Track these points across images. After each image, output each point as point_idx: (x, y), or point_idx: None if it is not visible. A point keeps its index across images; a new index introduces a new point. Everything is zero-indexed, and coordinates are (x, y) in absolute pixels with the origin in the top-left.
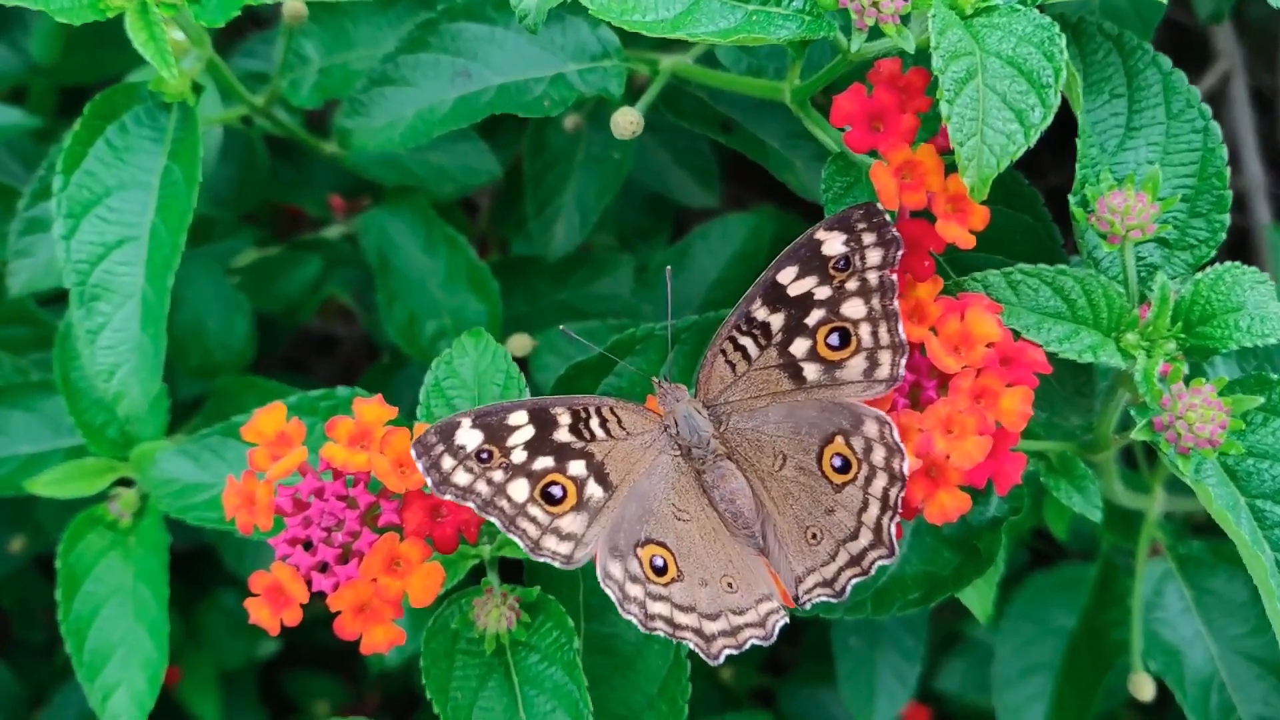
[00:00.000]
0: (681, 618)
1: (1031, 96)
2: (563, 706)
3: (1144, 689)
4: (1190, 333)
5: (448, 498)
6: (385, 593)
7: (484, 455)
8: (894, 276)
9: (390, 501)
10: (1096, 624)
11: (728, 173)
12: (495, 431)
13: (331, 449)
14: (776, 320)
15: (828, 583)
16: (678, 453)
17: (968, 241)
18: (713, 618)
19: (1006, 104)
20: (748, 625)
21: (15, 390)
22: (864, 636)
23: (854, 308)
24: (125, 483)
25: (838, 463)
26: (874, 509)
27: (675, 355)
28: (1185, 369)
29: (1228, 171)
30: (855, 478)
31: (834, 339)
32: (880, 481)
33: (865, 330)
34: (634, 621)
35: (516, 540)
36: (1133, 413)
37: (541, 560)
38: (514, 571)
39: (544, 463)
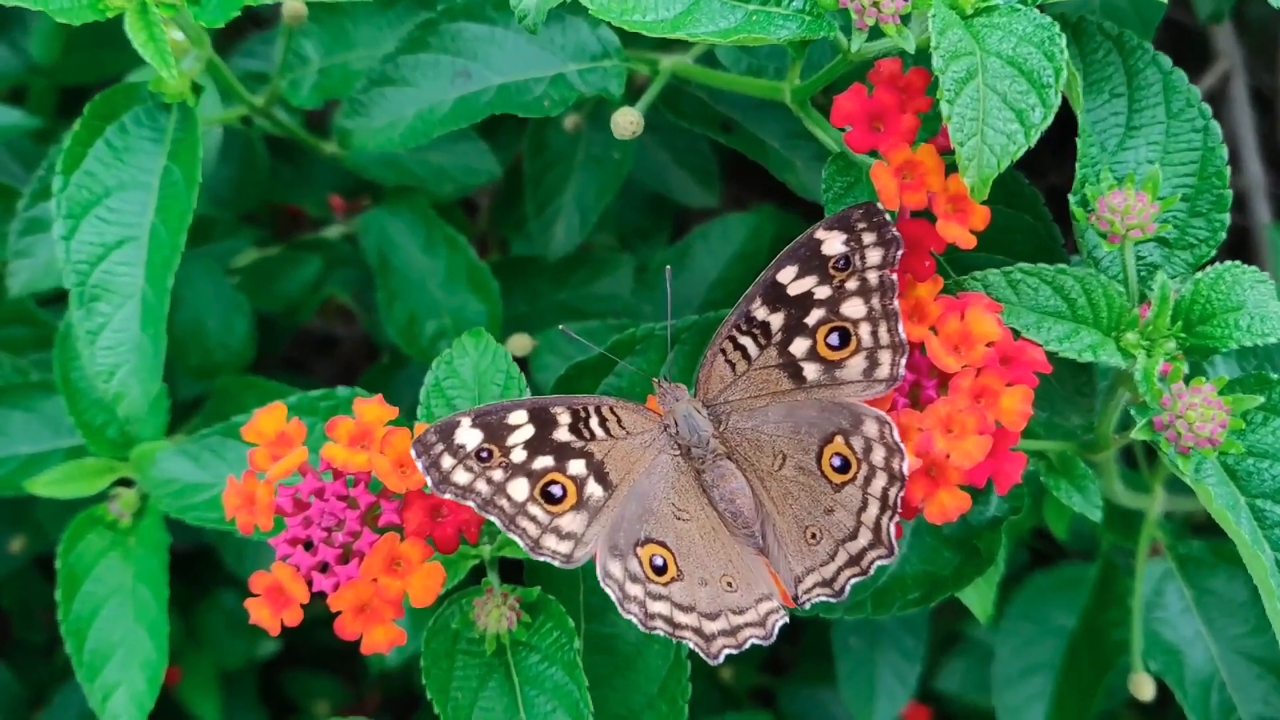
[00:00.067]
0: (681, 617)
1: (1032, 96)
2: (563, 707)
3: (1144, 689)
4: (1190, 332)
5: (447, 497)
6: (386, 593)
7: (484, 454)
8: (894, 276)
9: (391, 501)
10: (1097, 624)
11: (728, 173)
12: (495, 431)
13: (332, 449)
14: (776, 320)
15: (827, 582)
16: (677, 452)
17: (968, 241)
18: (712, 617)
19: (1007, 104)
20: (747, 625)
21: (15, 390)
22: (864, 636)
23: (854, 307)
24: (125, 483)
25: (837, 462)
26: (873, 509)
27: (675, 355)
28: (1185, 368)
29: (1228, 171)
30: (855, 477)
31: (834, 338)
32: (880, 481)
33: (865, 330)
34: (634, 621)
35: (516, 539)
36: (1133, 412)
37: (541, 559)
38: (514, 572)
39: (544, 462)
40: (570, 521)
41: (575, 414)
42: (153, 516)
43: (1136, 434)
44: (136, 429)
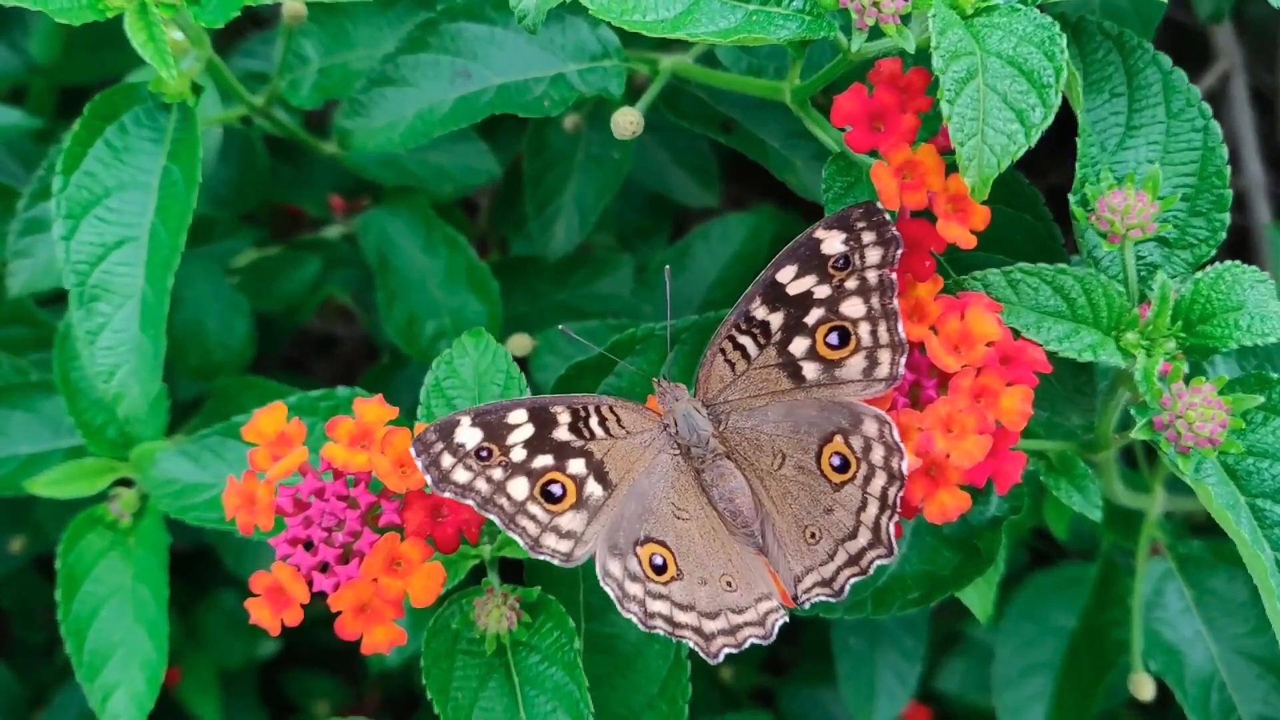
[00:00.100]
0: (681, 616)
1: (1032, 96)
2: (563, 707)
3: (1144, 689)
4: (1190, 332)
5: (447, 495)
6: (386, 593)
7: (483, 453)
8: (893, 275)
9: (391, 501)
10: (1097, 624)
11: (728, 173)
12: (495, 429)
13: (332, 449)
14: (776, 319)
15: (826, 582)
16: (677, 452)
17: (969, 241)
18: (712, 616)
19: (1007, 104)
20: (747, 624)
21: (15, 390)
22: (864, 636)
23: (853, 306)
24: (125, 483)
25: (836, 462)
26: (873, 508)
27: (675, 355)
28: (1185, 368)
29: (1228, 170)
30: (854, 477)
31: (833, 338)
32: (879, 480)
33: (864, 329)
34: (633, 619)
35: (516, 538)
36: (1133, 412)
37: (541, 558)
38: (514, 572)
39: (543, 461)
40: (570, 520)
41: (575, 413)
42: (152, 516)
43: (1136, 434)
44: (136, 429)
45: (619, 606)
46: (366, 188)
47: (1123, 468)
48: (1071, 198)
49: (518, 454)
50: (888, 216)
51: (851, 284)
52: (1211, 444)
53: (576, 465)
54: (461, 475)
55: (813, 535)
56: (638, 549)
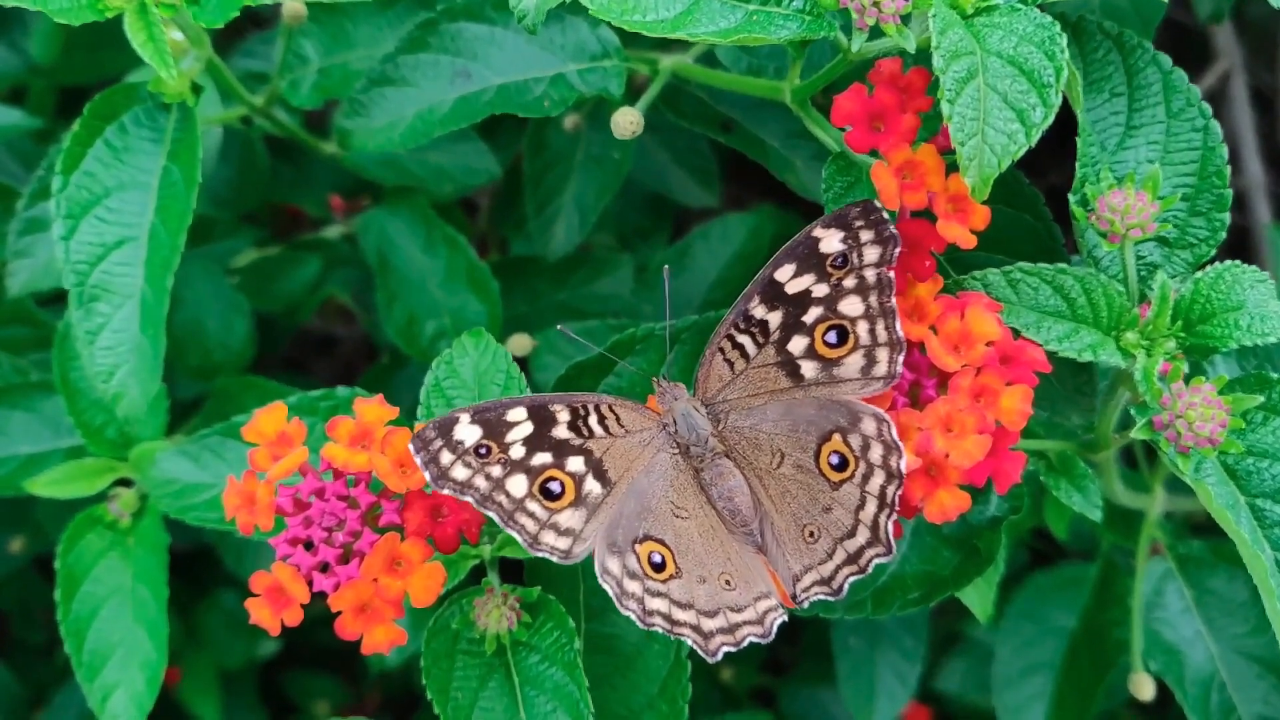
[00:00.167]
0: (679, 615)
1: (1033, 96)
2: (563, 707)
3: (1144, 689)
4: (1190, 331)
5: (446, 492)
6: (386, 593)
7: (482, 450)
8: (891, 274)
9: (391, 501)
10: (1097, 624)
11: (728, 173)
12: (494, 427)
13: (332, 449)
14: (774, 318)
15: (825, 581)
16: (676, 451)
17: (969, 241)
18: (711, 615)
19: (1008, 103)
20: (746, 623)
21: (15, 390)
22: (864, 636)
23: (851, 305)
24: (125, 483)
25: (835, 460)
26: (871, 507)
27: (675, 355)
28: (1185, 368)
29: (1228, 170)
30: (853, 475)
31: (832, 336)
32: (878, 479)
33: (863, 327)
34: (631, 617)
35: (515, 535)
36: (1133, 412)
37: (539, 555)
38: (514, 571)
39: (542, 458)
40: (569, 518)
41: (574, 412)
42: (152, 516)
43: (1136, 434)
44: (136, 429)
45: (617, 604)
46: (366, 188)
47: (1123, 468)
48: (1071, 197)
49: (516, 451)
50: (885, 215)
51: (849, 282)
52: (1211, 444)
53: (575, 463)
54: (460, 472)
55: (811, 534)
56: (636, 547)
